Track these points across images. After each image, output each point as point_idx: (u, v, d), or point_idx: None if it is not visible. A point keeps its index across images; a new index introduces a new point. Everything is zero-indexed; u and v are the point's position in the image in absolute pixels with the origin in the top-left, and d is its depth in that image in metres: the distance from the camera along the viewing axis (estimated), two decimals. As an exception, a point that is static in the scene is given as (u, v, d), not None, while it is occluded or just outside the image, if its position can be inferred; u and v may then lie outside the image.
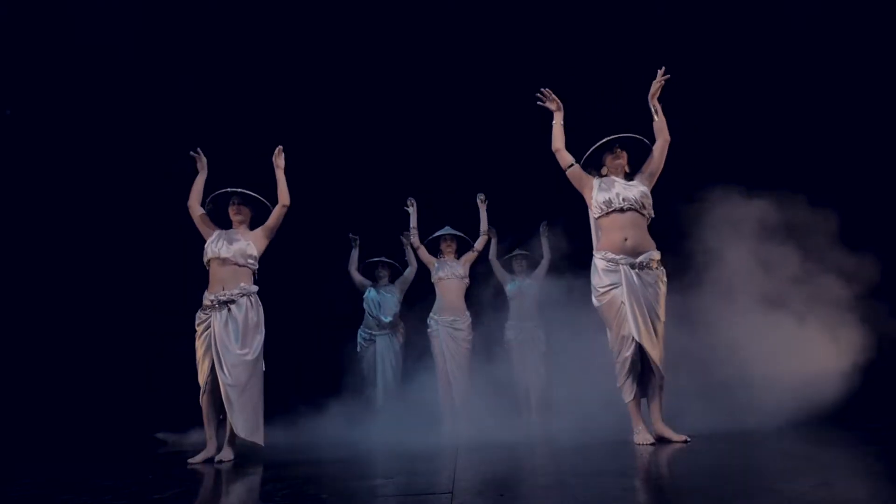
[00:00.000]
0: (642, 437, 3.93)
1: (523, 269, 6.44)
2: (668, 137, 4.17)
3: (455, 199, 6.70)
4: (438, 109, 7.02)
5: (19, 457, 5.17)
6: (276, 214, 4.50)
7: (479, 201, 6.08)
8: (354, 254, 6.66)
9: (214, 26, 6.91)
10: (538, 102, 4.30)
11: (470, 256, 6.04)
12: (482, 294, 6.40)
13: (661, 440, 3.92)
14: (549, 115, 4.31)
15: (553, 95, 4.28)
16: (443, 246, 6.04)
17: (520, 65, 6.68)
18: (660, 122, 4.18)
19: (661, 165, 4.19)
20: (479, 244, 6.07)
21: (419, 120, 7.10)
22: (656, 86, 4.19)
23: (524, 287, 6.34)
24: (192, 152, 4.61)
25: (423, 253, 6.03)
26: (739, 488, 2.50)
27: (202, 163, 4.60)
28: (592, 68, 6.76)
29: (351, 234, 6.67)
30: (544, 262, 6.32)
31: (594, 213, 4.14)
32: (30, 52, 6.71)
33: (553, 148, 4.27)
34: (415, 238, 6.02)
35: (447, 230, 6.09)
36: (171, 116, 6.93)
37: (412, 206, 6.06)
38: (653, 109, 4.20)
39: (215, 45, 6.95)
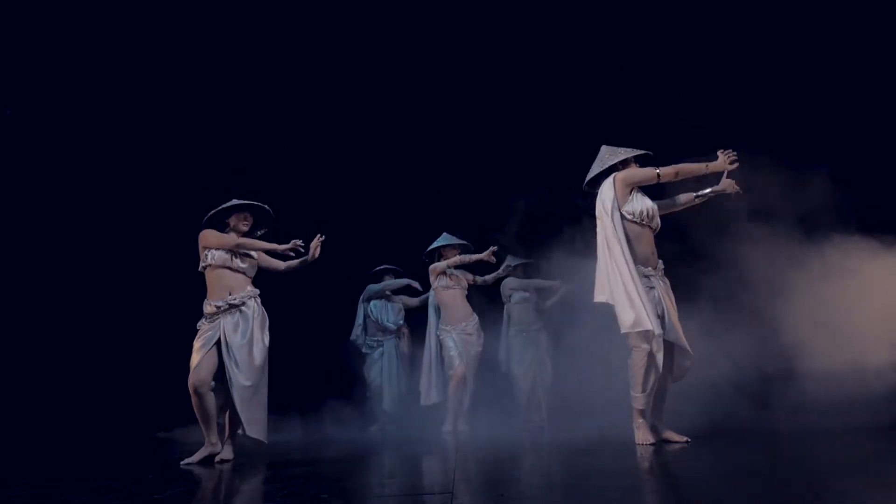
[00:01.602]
0: (643, 436, 3.92)
1: (523, 277, 6.46)
2: (678, 209, 4.21)
3: (457, 204, 6.75)
4: (448, 120, 7.04)
5: (19, 457, 5.17)
6: (271, 266, 4.44)
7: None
8: (392, 284, 6.62)
9: (215, 27, 6.91)
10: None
11: (469, 278, 6.07)
12: (483, 298, 6.42)
13: (661, 441, 3.92)
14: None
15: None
16: (448, 254, 6.04)
17: (535, 78, 6.74)
18: (693, 201, 4.17)
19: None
20: (482, 281, 6.11)
21: (425, 128, 7.12)
22: (723, 190, 4.08)
23: (526, 293, 6.39)
24: (298, 245, 4.31)
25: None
26: (739, 489, 2.50)
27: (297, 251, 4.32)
28: (600, 74, 6.78)
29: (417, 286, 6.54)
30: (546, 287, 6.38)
31: (634, 217, 4.02)
32: (30, 53, 6.71)
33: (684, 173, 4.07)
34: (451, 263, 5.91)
35: (447, 239, 6.06)
36: (171, 116, 6.93)
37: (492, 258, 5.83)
38: (703, 195, 4.14)
39: (215, 46, 6.95)
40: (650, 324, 3.77)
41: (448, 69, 7.03)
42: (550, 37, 6.86)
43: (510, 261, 6.36)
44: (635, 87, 6.60)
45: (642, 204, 4.05)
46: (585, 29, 6.80)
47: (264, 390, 4.21)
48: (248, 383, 4.07)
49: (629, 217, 4.03)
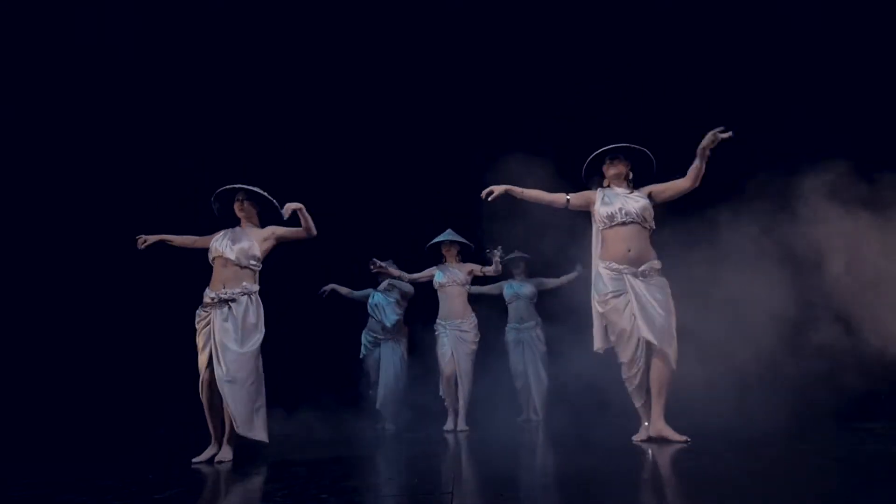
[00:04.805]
0: (642, 435, 3.93)
1: (521, 272, 6.45)
2: (696, 184, 4.05)
3: (456, 204, 6.72)
4: (439, 117, 7.02)
5: (19, 457, 5.17)
6: (295, 234, 4.46)
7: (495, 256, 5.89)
8: (344, 292, 6.66)
9: (215, 27, 6.90)
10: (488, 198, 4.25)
11: (474, 271, 5.95)
12: (482, 297, 6.41)
13: (661, 440, 3.92)
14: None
15: (492, 189, 4.25)
16: (444, 251, 6.00)
17: (527, 74, 6.72)
18: (697, 169, 3.99)
19: (672, 199, 4.19)
20: (487, 271, 5.97)
21: (422, 127, 7.11)
22: (711, 141, 3.88)
23: (520, 289, 6.37)
24: (139, 243, 4.46)
25: (418, 276, 6.02)
26: (740, 489, 2.50)
27: (151, 242, 4.49)
28: (599, 77, 6.76)
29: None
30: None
31: (598, 225, 4.17)
32: (29, 52, 6.71)
33: (546, 204, 4.30)
34: (405, 281, 6.08)
35: (449, 235, 6.03)
36: (171, 116, 6.93)
37: (376, 268, 5.87)
38: (698, 156, 3.98)
39: (216, 45, 6.94)
40: (598, 342, 4.13)
41: (448, 67, 7.02)
42: (556, 35, 6.86)
43: (516, 254, 6.34)
44: (635, 87, 6.61)
45: (599, 212, 4.16)
46: (587, 30, 6.80)
47: (255, 388, 4.16)
48: (228, 378, 4.05)
49: (601, 227, 4.17)
